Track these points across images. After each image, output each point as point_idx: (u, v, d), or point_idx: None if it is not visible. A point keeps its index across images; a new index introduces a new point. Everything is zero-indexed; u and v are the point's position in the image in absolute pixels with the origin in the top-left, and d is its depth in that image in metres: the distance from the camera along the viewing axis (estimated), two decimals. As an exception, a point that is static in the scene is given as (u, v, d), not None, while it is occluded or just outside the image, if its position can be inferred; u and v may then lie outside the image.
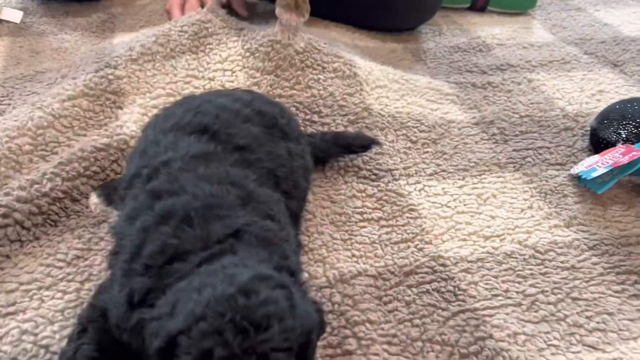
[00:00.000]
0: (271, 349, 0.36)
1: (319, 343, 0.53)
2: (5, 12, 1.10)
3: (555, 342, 0.56)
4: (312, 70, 0.89)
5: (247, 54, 0.89)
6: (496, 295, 0.61)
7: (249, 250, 0.44)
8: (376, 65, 0.99)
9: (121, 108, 0.81)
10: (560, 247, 0.67)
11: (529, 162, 0.83)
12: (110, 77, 0.83)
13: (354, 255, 0.64)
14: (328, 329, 0.55)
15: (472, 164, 0.81)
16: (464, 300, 0.60)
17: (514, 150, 0.85)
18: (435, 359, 0.54)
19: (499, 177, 0.79)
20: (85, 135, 0.77)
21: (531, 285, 0.62)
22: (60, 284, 0.58)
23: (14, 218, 0.62)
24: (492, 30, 1.27)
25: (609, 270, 0.65)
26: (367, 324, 0.56)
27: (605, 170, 0.74)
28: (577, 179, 0.78)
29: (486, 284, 0.62)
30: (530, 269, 0.64)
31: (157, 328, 0.38)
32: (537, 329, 0.57)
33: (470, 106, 0.96)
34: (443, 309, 0.59)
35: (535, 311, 0.59)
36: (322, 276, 0.61)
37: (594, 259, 0.66)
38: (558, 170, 0.81)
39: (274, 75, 0.87)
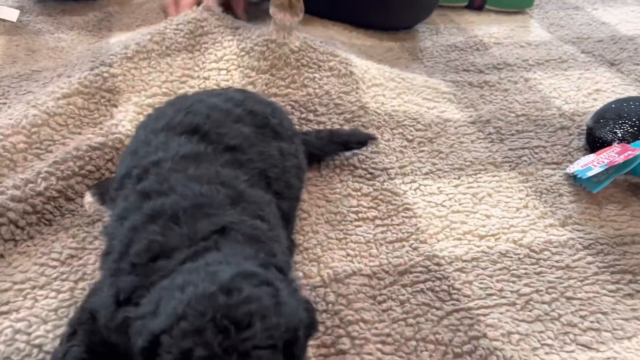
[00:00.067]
0: (253, 346, 0.35)
1: (313, 342, 0.53)
2: (2, 10, 1.09)
3: (549, 342, 0.56)
4: (308, 69, 0.89)
5: (243, 53, 0.88)
6: (490, 295, 0.61)
7: (234, 247, 0.43)
8: (372, 64, 0.99)
9: (116, 106, 0.81)
10: (555, 247, 0.67)
11: (525, 161, 0.82)
12: (106, 74, 0.83)
13: (348, 255, 0.64)
14: (322, 328, 0.55)
15: (467, 163, 0.81)
16: (458, 300, 0.60)
17: (509, 149, 0.85)
18: (429, 358, 0.54)
19: (494, 176, 0.79)
20: (80, 133, 0.76)
21: (526, 285, 0.62)
22: (54, 283, 0.58)
23: (8, 217, 0.62)
24: (489, 29, 1.27)
25: (603, 269, 0.65)
26: (361, 324, 0.56)
27: (601, 169, 0.74)
28: (573, 178, 0.78)
29: (481, 283, 0.62)
30: (525, 269, 0.64)
31: (140, 327, 0.38)
32: (531, 328, 0.57)
33: (466, 105, 0.96)
34: (437, 308, 0.59)
35: (530, 310, 0.59)
36: (316, 275, 0.61)
37: (589, 258, 0.66)
38: (554, 169, 0.81)
39: (270, 74, 0.87)
